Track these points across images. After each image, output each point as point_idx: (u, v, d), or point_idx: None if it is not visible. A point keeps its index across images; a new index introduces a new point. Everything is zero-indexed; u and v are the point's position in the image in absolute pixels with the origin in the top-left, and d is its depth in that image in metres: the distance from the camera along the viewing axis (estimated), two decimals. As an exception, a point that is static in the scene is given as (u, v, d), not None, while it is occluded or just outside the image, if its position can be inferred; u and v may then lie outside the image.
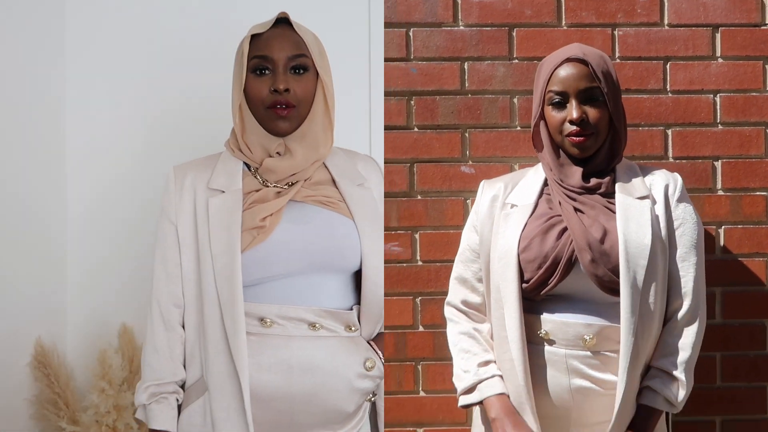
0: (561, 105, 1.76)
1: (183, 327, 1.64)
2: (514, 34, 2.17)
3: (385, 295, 2.15)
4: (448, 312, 1.86)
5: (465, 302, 1.83)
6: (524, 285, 1.72)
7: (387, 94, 2.17)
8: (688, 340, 1.72)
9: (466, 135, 2.18)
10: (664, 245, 1.75)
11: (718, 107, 2.16)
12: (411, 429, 2.15)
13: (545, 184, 1.84)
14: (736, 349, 2.14)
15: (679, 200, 1.79)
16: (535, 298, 1.72)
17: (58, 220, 2.38)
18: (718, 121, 2.17)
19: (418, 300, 2.14)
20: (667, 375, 1.69)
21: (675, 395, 1.69)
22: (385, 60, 2.16)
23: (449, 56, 2.16)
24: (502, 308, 1.72)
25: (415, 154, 2.17)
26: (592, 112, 1.74)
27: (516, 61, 2.16)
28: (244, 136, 1.67)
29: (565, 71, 1.75)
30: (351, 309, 1.63)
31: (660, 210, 1.77)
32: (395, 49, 2.15)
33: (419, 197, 2.16)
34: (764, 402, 2.14)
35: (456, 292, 1.86)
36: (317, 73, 1.65)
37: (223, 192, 1.63)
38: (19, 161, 2.22)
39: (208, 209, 1.61)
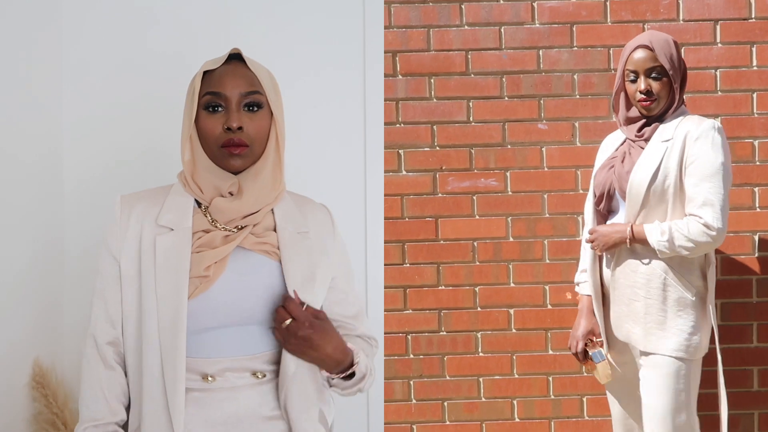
0: (634, 81, 2.11)
1: (124, 367, 1.47)
2: (574, 29, 2.64)
3: (485, 215, 2.67)
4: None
5: (588, 212, 2.29)
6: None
7: (485, 73, 2.64)
8: (694, 229, 2.02)
9: (541, 102, 2.66)
10: (666, 177, 2.05)
11: (717, 80, 2.62)
12: (504, 310, 2.72)
13: None
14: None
15: (696, 140, 2.04)
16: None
17: (55, 240, 2.25)
18: (718, 89, 2.61)
19: (509, 219, 2.69)
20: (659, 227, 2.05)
21: (654, 235, 2.03)
22: (483, 50, 2.63)
23: (529, 46, 2.64)
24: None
25: (506, 116, 2.66)
26: (655, 85, 2.08)
27: (576, 48, 2.64)
28: (195, 174, 1.51)
29: (637, 55, 2.10)
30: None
31: (676, 150, 2.06)
32: (491, 41, 2.64)
33: (509, 146, 2.67)
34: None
35: (587, 204, 2.30)
36: (271, 111, 1.51)
37: (172, 230, 1.46)
38: (17, 180, 2.08)
39: (155, 247, 1.44)
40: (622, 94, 2.21)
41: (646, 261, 2.12)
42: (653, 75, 2.10)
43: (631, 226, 2.12)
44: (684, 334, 2.11)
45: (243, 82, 1.48)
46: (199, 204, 1.53)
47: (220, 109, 1.47)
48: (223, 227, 1.48)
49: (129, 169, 2.26)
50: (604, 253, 2.23)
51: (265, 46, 2.32)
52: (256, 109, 1.48)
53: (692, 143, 2.05)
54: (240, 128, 1.46)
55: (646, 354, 2.15)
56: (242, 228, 1.50)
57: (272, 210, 1.55)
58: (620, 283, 2.18)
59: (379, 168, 2.55)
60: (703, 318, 2.15)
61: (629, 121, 2.19)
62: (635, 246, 2.13)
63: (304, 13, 2.44)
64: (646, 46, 2.11)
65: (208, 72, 1.50)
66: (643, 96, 2.11)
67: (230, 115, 1.46)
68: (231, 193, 1.50)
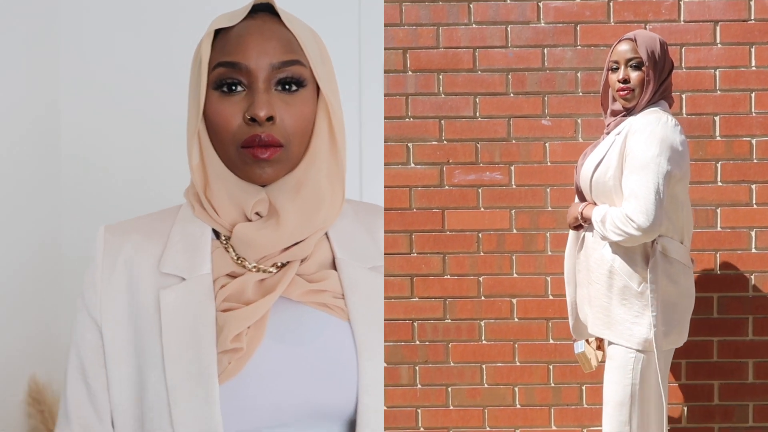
0: (616, 70, 2.13)
1: None
2: (578, 29, 2.67)
3: (490, 208, 2.77)
4: None
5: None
6: None
7: (491, 71, 2.72)
8: (620, 217, 1.99)
9: (545, 99, 2.69)
10: (607, 170, 2.05)
11: (717, 79, 2.67)
12: (507, 300, 2.81)
13: None
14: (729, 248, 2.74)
15: (634, 134, 2.02)
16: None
17: (53, 254, 2.15)
18: (717, 88, 2.66)
19: (512, 212, 2.75)
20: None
21: (594, 215, 2.05)
22: (489, 47, 2.71)
23: (534, 44, 2.67)
24: None
25: (511, 112, 2.69)
26: (633, 75, 2.08)
27: (579, 47, 2.66)
28: (207, 189, 1.01)
29: (620, 47, 2.12)
30: None
31: (619, 143, 2.06)
32: (497, 39, 2.72)
33: (514, 141, 2.72)
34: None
35: None
36: (317, 89, 1.02)
37: (184, 279, 0.97)
38: (13, 191, 1.96)
39: (159, 308, 0.95)
40: (610, 90, 2.22)
41: (599, 246, 2.12)
42: (632, 64, 2.10)
43: (586, 204, 2.17)
44: (626, 323, 2.05)
45: (275, 47, 0.98)
46: (218, 234, 1.04)
47: (239, 88, 1.00)
48: (255, 266, 1.01)
49: (133, 169, 2.06)
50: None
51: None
52: (295, 88, 1.01)
53: (631, 136, 2.03)
54: (270, 118, 0.97)
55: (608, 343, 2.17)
56: (284, 266, 1.01)
57: (326, 233, 1.06)
58: (582, 266, 2.19)
59: (378, 162, 2.45)
60: (660, 310, 2.05)
61: (613, 114, 2.19)
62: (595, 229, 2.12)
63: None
64: (629, 39, 2.13)
65: (222, 32, 1.00)
66: (620, 85, 2.12)
67: (256, 97, 0.98)
68: (258, 215, 1.01)
